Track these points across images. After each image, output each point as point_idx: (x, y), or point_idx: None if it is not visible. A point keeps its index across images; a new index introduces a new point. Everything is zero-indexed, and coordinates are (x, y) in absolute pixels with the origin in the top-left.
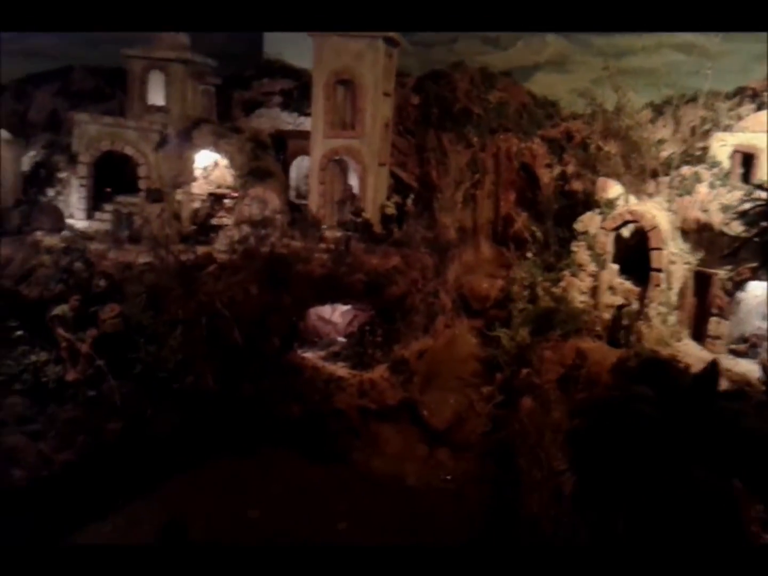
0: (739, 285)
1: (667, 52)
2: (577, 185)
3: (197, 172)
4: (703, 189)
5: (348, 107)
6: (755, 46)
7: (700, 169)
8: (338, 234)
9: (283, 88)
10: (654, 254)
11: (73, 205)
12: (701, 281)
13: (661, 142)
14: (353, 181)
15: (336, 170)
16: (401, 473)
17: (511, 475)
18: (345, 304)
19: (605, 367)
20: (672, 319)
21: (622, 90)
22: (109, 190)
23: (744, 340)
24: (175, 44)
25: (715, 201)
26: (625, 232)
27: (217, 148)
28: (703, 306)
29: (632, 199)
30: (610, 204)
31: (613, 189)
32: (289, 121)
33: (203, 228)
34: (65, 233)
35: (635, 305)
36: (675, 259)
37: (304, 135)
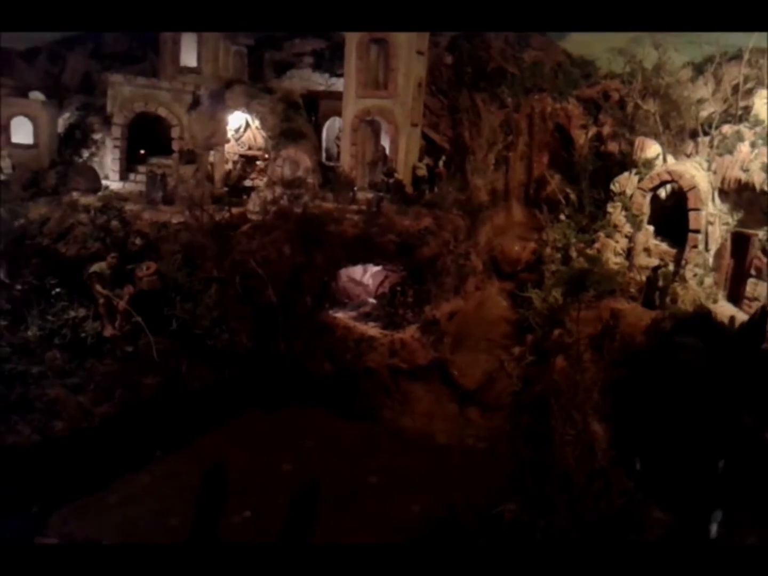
0: None
1: None
2: (612, 146)
3: (229, 134)
4: (744, 148)
5: (381, 66)
6: None
7: (741, 127)
8: (370, 195)
9: (315, 48)
10: (692, 215)
11: (108, 167)
12: (739, 242)
13: (701, 101)
14: (385, 142)
15: (368, 131)
16: (431, 431)
17: (544, 432)
18: (376, 264)
19: (639, 328)
20: (708, 280)
21: (662, 47)
22: (142, 151)
23: None
24: None
25: (757, 160)
26: (662, 193)
27: (249, 109)
28: (741, 267)
29: (670, 159)
30: (648, 164)
31: (652, 149)
32: (320, 82)
33: (235, 190)
34: (101, 193)
35: (671, 267)
36: (713, 220)
37: (336, 96)
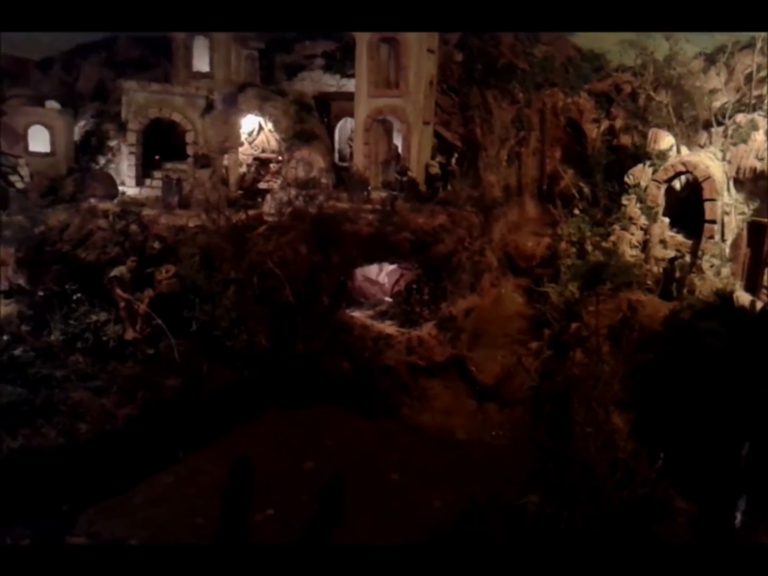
0: None
1: None
2: (626, 139)
3: (242, 137)
4: (759, 137)
5: (392, 66)
6: None
7: (755, 116)
8: (384, 194)
9: (325, 50)
10: (707, 205)
11: (124, 173)
12: (756, 231)
13: (713, 91)
14: (398, 141)
15: (380, 130)
16: (450, 427)
17: (564, 423)
18: (392, 263)
19: (657, 319)
20: (725, 270)
21: (674, 38)
22: (157, 157)
23: None
24: None
25: None
26: (676, 184)
27: (262, 112)
28: (758, 257)
29: (684, 150)
30: (662, 155)
31: (665, 140)
32: (331, 83)
33: (249, 193)
34: (118, 198)
35: (687, 258)
36: (729, 210)
37: (348, 97)
